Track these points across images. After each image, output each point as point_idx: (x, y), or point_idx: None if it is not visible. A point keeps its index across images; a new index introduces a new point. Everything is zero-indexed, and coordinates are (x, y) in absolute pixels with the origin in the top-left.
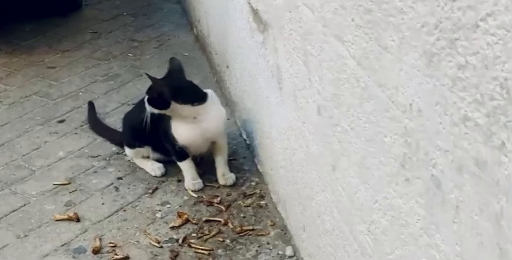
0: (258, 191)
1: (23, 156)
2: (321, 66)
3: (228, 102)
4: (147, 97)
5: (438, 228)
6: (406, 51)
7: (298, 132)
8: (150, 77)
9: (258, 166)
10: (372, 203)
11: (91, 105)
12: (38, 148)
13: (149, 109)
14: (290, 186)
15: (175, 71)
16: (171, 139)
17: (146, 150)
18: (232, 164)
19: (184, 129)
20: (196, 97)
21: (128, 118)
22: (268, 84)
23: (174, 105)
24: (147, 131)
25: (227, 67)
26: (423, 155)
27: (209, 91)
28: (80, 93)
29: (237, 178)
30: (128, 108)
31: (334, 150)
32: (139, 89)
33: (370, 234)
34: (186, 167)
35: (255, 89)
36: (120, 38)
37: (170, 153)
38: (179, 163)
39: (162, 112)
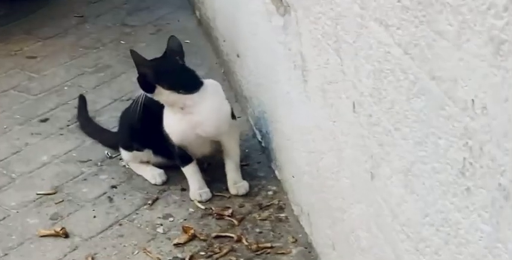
0: (276, 202)
1: (0, 161)
2: (357, 55)
3: (238, 97)
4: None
5: (506, 247)
6: (468, 37)
7: (327, 132)
8: (134, 55)
9: (276, 173)
10: (422, 217)
11: (82, 99)
12: (17, 152)
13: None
14: (316, 195)
15: (173, 52)
16: (168, 137)
17: (146, 154)
18: (245, 170)
19: (171, 121)
20: (185, 84)
21: (125, 117)
22: (290, 76)
23: (159, 90)
24: (137, 117)
25: (238, 56)
26: (488, 161)
27: (208, 81)
28: (65, 88)
29: (251, 186)
30: (121, 105)
31: (373, 154)
32: (134, 82)
33: (419, 254)
34: (191, 173)
35: (273, 82)
36: (110, 23)
37: (172, 156)
38: (183, 169)
39: (150, 95)
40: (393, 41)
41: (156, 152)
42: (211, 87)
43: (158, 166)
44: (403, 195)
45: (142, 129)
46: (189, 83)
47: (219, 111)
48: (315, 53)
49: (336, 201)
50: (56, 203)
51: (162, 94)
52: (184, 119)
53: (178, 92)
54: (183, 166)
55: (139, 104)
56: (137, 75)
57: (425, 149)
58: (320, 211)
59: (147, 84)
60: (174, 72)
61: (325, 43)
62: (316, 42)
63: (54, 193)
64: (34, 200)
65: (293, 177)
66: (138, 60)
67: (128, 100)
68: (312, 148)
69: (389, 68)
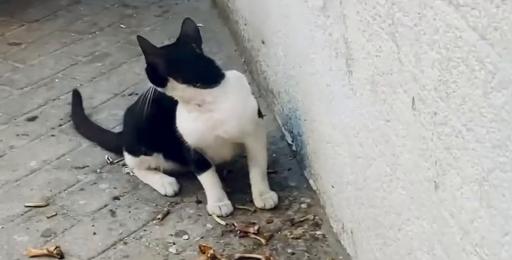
0: (310, 217)
1: None
2: (419, 41)
3: (263, 91)
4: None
5: None
6: None
7: (378, 134)
8: (142, 42)
9: (311, 182)
10: (500, 236)
11: (76, 94)
12: (1, 157)
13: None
14: (362, 210)
15: (189, 37)
16: (182, 139)
17: (155, 159)
18: (273, 179)
19: (186, 120)
20: (203, 76)
21: (130, 114)
22: (330, 66)
23: (172, 83)
24: (144, 115)
25: (263, 43)
26: None
27: (231, 73)
28: (56, 80)
29: (280, 198)
30: (123, 100)
31: (438, 160)
32: (137, 74)
33: None
34: (209, 182)
35: (308, 74)
36: (108, 3)
37: (187, 161)
38: (199, 177)
39: (161, 90)
40: (466, 23)
41: (167, 157)
42: (234, 80)
43: (169, 173)
44: (476, 208)
45: (152, 129)
46: (208, 75)
47: (243, 109)
48: (364, 38)
49: (388, 217)
50: (48, 218)
51: (175, 89)
52: (201, 118)
53: (195, 86)
54: (200, 174)
55: (147, 99)
56: (145, 65)
57: (506, 154)
58: (367, 228)
59: (157, 76)
60: (190, 62)
61: (377, 27)
62: (365, 25)
63: (45, 206)
64: (22, 214)
65: (333, 187)
66: (147, 48)
67: (130, 95)
68: (358, 153)
69: (461, 56)
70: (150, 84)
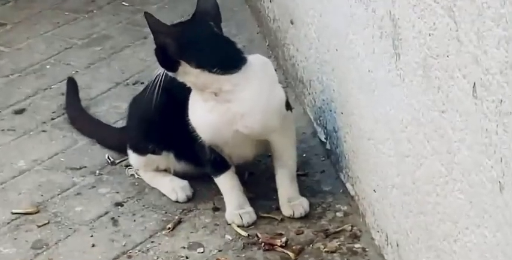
0: (347, 227)
1: None
2: (481, 16)
3: (291, 79)
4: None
5: None
6: None
7: (431, 127)
8: (150, 20)
9: (348, 186)
10: None
11: (72, 83)
12: None
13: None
14: (411, 218)
15: (206, 15)
16: (195, 134)
17: (164, 159)
18: (303, 182)
19: (200, 111)
20: (222, 60)
21: (136, 106)
22: (373, 48)
23: (185, 67)
24: (153, 105)
25: (291, 23)
26: None
27: (255, 58)
28: (48, 66)
29: (311, 205)
30: (125, 90)
31: (504, 157)
32: (142, 59)
33: None
34: (228, 186)
35: (346, 58)
36: None
37: (203, 162)
38: (216, 180)
39: (172, 75)
40: None
41: (179, 156)
42: (258, 65)
43: (182, 176)
44: None
45: (161, 123)
46: (226, 59)
47: (268, 100)
48: (415, 14)
49: (443, 225)
50: (39, 227)
51: (188, 74)
52: (218, 109)
53: (211, 71)
54: (217, 176)
55: (156, 87)
56: (153, 46)
57: None
58: (416, 240)
59: (168, 59)
60: (205, 43)
61: (430, 0)
62: None
63: (36, 213)
64: (8, 222)
65: (374, 191)
66: (156, 26)
67: (134, 84)
68: (406, 151)
69: None
70: (159, 70)
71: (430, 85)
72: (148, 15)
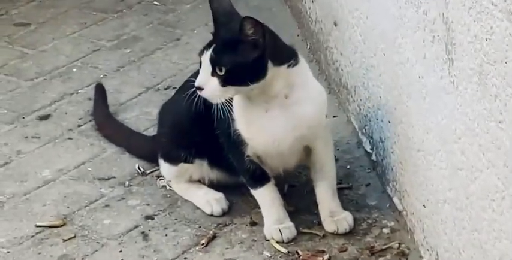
0: (395, 244)
1: None
2: None
3: (334, 86)
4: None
5: None
6: None
7: (487, 139)
8: (248, 21)
9: (395, 200)
10: None
11: (100, 88)
12: (6, 164)
13: (222, 95)
14: (464, 235)
15: (230, 14)
16: (236, 144)
17: (197, 168)
18: (347, 196)
19: (260, 121)
20: (289, 53)
21: (168, 112)
22: (424, 53)
23: (270, 69)
24: (192, 108)
25: (335, 25)
26: None
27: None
28: (74, 69)
29: (356, 220)
30: (157, 96)
31: None
32: (175, 63)
33: None
34: (267, 199)
35: (395, 63)
36: None
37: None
38: (254, 192)
39: (248, 90)
40: None
41: (213, 163)
42: (302, 58)
43: (216, 185)
44: None
45: (195, 130)
46: (289, 51)
47: (320, 91)
48: (470, 17)
49: (499, 244)
50: (64, 241)
51: (270, 77)
52: (284, 115)
53: (289, 66)
54: (255, 189)
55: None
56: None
57: None
58: (469, 259)
59: (257, 64)
60: (275, 37)
61: (487, 2)
62: (471, 1)
63: (61, 226)
64: (32, 236)
65: (424, 206)
66: (255, 26)
67: (166, 89)
68: (460, 164)
69: None
70: (220, 101)
71: (487, 93)
72: (248, 20)
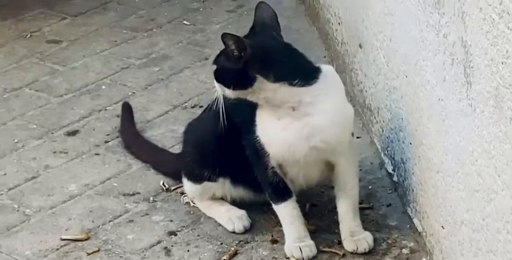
0: None
1: (10, 190)
2: None
3: (359, 107)
4: (214, 68)
5: None
6: None
7: (502, 161)
8: (225, 36)
9: (415, 221)
10: None
11: (127, 105)
12: (33, 178)
13: (219, 89)
14: (480, 257)
15: (266, 25)
16: (259, 154)
17: (220, 186)
18: (368, 216)
19: (274, 129)
20: (300, 71)
21: (193, 131)
22: (444, 76)
23: (261, 83)
24: (218, 127)
25: (360, 47)
26: None
27: (326, 67)
28: (103, 87)
29: (376, 240)
30: (184, 114)
31: None
32: (202, 81)
33: None
34: (288, 216)
35: (416, 85)
36: None
37: (261, 187)
38: (276, 208)
39: (239, 94)
40: None
41: (235, 181)
42: (330, 74)
43: (239, 203)
44: None
45: (218, 148)
46: (305, 70)
47: (343, 111)
48: (487, 41)
49: None
50: (88, 254)
51: (264, 90)
52: (294, 125)
53: (292, 84)
54: (278, 204)
55: (221, 112)
56: (212, 70)
57: None
58: None
59: (243, 76)
60: (282, 55)
61: (504, 27)
62: (489, 25)
63: (86, 239)
64: (57, 249)
65: (443, 228)
66: (234, 39)
67: (193, 107)
68: (476, 186)
69: None
70: (217, 93)
71: (502, 116)
72: (225, 35)
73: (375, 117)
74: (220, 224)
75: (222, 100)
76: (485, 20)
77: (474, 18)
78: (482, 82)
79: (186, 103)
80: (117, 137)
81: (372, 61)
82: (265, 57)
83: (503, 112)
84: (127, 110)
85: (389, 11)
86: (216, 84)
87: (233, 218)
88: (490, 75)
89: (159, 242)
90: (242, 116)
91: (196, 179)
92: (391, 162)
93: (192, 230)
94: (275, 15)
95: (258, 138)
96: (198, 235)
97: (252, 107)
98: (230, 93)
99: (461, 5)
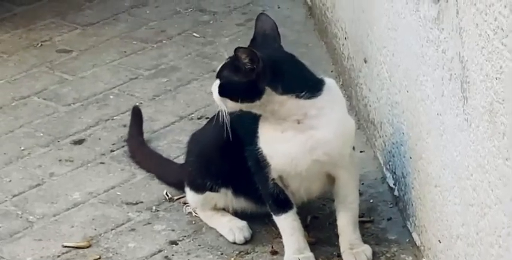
0: None
1: (14, 196)
2: None
3: (362, 121)
4: (218, 81)
5: None
6: None
7: (495, 175)
8: (238, 50)
9: (414, 236)
10: None
11: (136, 115)
12: (38, 186)
13: (219, 103)
14: None
15: (266, 36)
16: (261, 166)
17: (222, 197)
18: (368, 229)
19: (277, 142)
20: (307, 83)
21: (196, 142)
22: (442, 91)
23: (269, 95)
24: (222, 138)
25: (365, 61)
26: None
27: (327, 80)
28: (111, 97)
29: (375, 254)
30: (190, 125)
31: None
32: (210, 93)
33: None
34: (289, 228)
35: (417, 100)
36: (179, 6)
37: (262, 198)
38: (277, 219)
39: (245, 106)
40: None
41: (237, 191)
42: (333, 87)
43: (240, 214)
44: None
45: (222, 159)
46: (310, 82)
47: (346, 124)
48: (484, 57)
49: None
50: None
51: (271, 103)
52: (298, 138)
53: (299, 97)
54: (278, 215)
55: (223, 123)
56: (219, 80)
57: None
58: None
59: (252, 88)
60: (289, 67)
61: (497, 42)
62: (484, 40)
63: (87, 247)
64: (59, 256)
65: (440, 242)
66: (244, 51)
67: (199, 118)
68: (471, 200)
69: None
70: (222, 106)
71: (496, 131)
72: (238, 49)
73: (378, 132)
74: (221, 235)
75: (226, 111)
76: (481, 36)
77: (471, 33)
78: (478, 98)
79: (193, 115)
80: (122, 146)
81: (375, 76)
82: (276, 69)
83: (496, 127)
84: (136, 117)
85: (393, 26)
86: (216, 97)
87: (234, 229)
88: (485, 90)
89: (160, 251)
90: (245, 127)
91: (198, 189)
92: (393, 176)
93: (193, 240)
94: (275, 26)
95: (260, 149)
96: (199, 245)
97: (255, 118)
98: (233, 106)
99: (459, 21)
